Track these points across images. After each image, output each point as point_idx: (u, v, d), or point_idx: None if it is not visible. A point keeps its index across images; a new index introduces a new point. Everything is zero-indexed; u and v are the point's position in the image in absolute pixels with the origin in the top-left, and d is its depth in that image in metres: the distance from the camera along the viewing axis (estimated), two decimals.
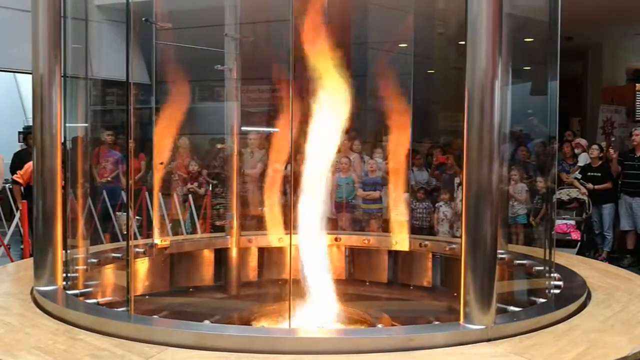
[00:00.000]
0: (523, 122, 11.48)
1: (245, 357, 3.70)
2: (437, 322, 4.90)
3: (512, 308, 4.70)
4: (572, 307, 4.68)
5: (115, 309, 4.67)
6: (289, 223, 5.71)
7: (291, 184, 5.68)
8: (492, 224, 4.11)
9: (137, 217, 11.94)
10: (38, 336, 4.01)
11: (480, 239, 4.10)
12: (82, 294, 5.02)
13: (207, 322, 4.72)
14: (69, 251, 5.33)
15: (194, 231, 12.50)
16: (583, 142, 14.70)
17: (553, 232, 6.04)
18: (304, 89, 6.00)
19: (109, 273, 6.08)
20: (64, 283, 5.03)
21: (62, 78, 5.11)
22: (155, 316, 4.86)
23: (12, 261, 9.41)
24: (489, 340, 4.00)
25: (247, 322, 5.86)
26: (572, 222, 12.86)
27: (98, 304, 4.85)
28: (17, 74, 20.58)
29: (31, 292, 4.93)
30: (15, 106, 22.57)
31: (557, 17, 5.54)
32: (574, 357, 3.74)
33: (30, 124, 17.87)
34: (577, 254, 10.39)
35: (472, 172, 4.11)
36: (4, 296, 4.92)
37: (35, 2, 4.97)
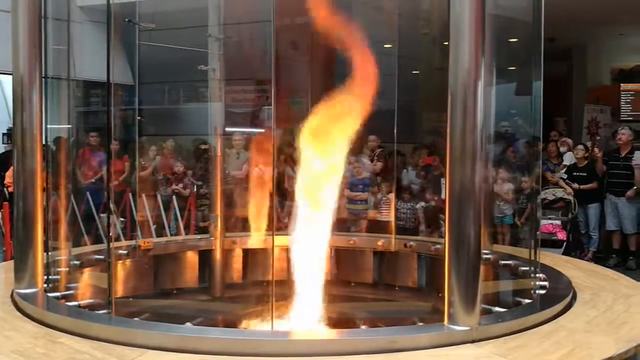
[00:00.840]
0: (508, 122, 11.51)
1: (224, 359, 3.68)
2: (421, 324, 4.90)
3: (497, 309, 4.69)
4: (558, 307, 4.68)
5: (96, 312, 4.63)
6: (271, 224, 5.70)
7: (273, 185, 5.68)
8: (475, 224, 4.09)
9: (121, 219, 11.90)
10: (17, 339, 3.97)
11: (464, 239, 4.08)
12: (63, 297, 4.99)
13: (188, 324, 4.69)
14: (50, 253, 5.29)
15: (178, 233, 12.45)
16: (569, 141, 14.73)
17: (538, 233, 6.04)
18: (286, 90, 5.99)
19: (91, 275, 6.04)
20: (45, 285, 4.98)
21: (43, 79, 5.07)
22: (136, 319, 4.83)
23: None
24: (473, 341, 3.99)
25: (230, 325, 5.85)
26: (558, 222, 12.88)
27: (79, 306, 4.81)
28: (1, 75, 20.53)
29: (11, 295, 4.88)
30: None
31: (541, 18, 5.55)
32: (559, 358, 3.74)
33: None
34: (563, 254, 10.40)
35: (455, 173, 4.10)
36: None
37: (15, 3, 4.93)
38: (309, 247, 6.08)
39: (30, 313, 4.44)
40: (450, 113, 4.11)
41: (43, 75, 5.05)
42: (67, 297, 5.02)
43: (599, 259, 12.65)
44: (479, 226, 4.15)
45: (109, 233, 5.52)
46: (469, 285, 4.06)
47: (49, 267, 5.15)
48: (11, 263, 5.99)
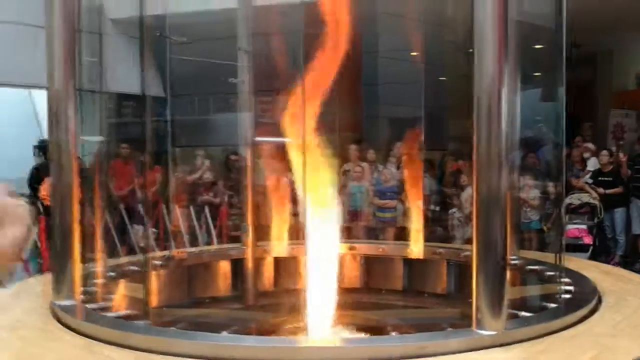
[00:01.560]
0: (534, 129, 11.57)
1: None
2: (449, 329, 4.98)
3: (523, 313, 4.76)
4: (583, 311, 4.71)
5: (135, 322, 4.75)
6: (301, 233, 5.79)
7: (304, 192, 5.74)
8: (502, 230, 4.17)
9: (153, 230, 12.04)
10: (59, 350, 4.09)
11: (491, 245, 4.16)
12: (100, 308, 5.09)
13: (224, 333, 4.81)
14: (86, 265, 5.41)
15: (210, 242, 12.59)
16: (591, 146, 14.79)
17: (562, 237, 6.11)
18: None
19: (127, 286, 6.14)
20: (82, 297, 5.10)
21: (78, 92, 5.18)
22: (173, 328, 4.95)
23: (31, 276, 9.53)
24: (500, 345, 4.06)
25: (263, 332, 5.94)
26: (584, 227, 12.96)
27: (117, 317, 4.93)
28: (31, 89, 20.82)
29: (50, 307, 4.99)
30: (29, 121, 22.78)
31: (562, 24, 5.62)
32: None
33: (45, 137, 18.05)
34: (590, 258, 10.51)
35: (482, 180, 4.17)
36: (25, 311, 5.00)
37: (51, 17, 5.05)
38: (335, 255, 6.18)
39: (69, 324, 4.54)
40: (476, 121, 4.19)
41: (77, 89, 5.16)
42: (104, 309, 5.12)
43: (627, 263, 12.70)
44: (505, 232, 4.23)
45: (146, 243, 5.64)
46: (495, 290, 4.14)
47: (85, 279, 5.27)
48: (47, 276, 6.14)
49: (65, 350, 4.10)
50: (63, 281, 5.00)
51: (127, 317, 4.88)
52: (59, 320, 4.69)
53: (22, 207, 2.59)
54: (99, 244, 5.95)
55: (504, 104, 4.17)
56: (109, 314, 4.93)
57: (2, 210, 2.54)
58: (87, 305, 4.99)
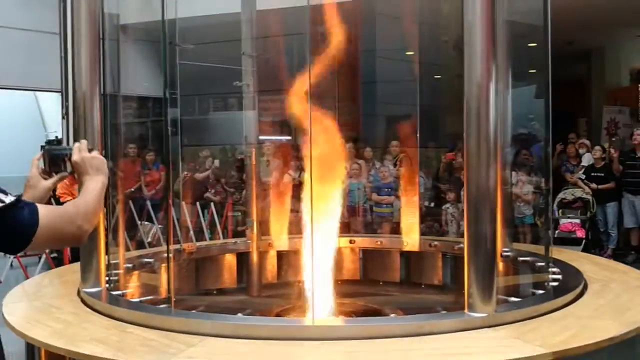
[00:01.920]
0: (528, 125, 11.78)
1: (274, 343, 4.14)
2: (443, 312, 5.35)
3: (512, 299, 5.09)
4: (569, 297, 5.02)
5: (158, 306, 5.14)
6: (305, 226, 6.03)
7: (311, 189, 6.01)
8: (491, 223, 4.51)
9: (159, 226, 12.35)
10: (92, 330, 4.47)
11: (481, 236, 4.49)
12: (123, 294, 5.47)
13: (240, 314, 5.20)
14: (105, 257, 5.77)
15: (214, 237, 12.87)
16: (587, 142, 15.01)
17: (550, 230, 6.44)
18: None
19: (142, 276, 6.50)
20: (107, 285, 5.48)
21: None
22: (194, 311, 5.34)
23: (53, 268, 9.90)
24: (490, 326, 4.39)
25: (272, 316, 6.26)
26: (577, 221, 13.22)
27: (140, 301, 5.30)
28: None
29: (78, 294, 5.38)
30: (35, 122, 23.13)
31: (548, 22, 5.89)
32: (566, 339, 4.12)
33: (51, 138, 18.38)
34: (583, 251, 10.77)
35: (472, 176, 4.51)
36: (56, 298, 5.39)
37: (78, 26, 5.36)
38: (333, 248, 6.51)
39: (99, 309, 4.93)
40: (466, 120, 4.50)
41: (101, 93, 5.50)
42: (125, 295, 5.50)
43: (618, 255, 12.90)
44: (494, 225, 4.58)
45: (168, 237, 5.98)
46: (485, 277, 4.48)
47: (109, 268, 5.65)
48: (68, 267, 6.56)
49: (97, 330, 4.48)
50: (90, 270, 5.40)
51: (147, 302, 5.26)
52: (87, 305, 5.09)
53: (98, 159, 3.06)
54: (120, 238, 6.31)
55: (492, 105, 4.48)
56: (133, 300, 5.32)
57: (87, 164, 3.02)
58: (111, 292, 5.39)
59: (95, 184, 2.96)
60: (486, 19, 4.48)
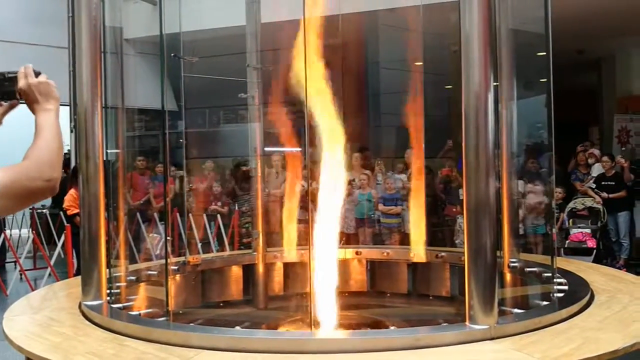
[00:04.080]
0: (538, 135, 11.69)
1: (271, 357, 4.11)
2: (444, 324, 5.30)
3: (515, 310, 5.06)
4: (574, 308, 4.96)
5: (156, 319, 5.13)
6: (309, 238, 6.01)
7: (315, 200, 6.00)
8: (491, 234, 4.48)
9: (168, 238, 12.33)
10: (89, 343, 4.46)
11: (481, 247, 4.46)
12: (124, 308, 5.45)
13: (237, 327, 5.17)
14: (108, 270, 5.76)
15: (221, 249, 12.88)
16: (596, 152, 14.93)
17: (555, 241, 6.38)
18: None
19: (146, 289, 6.47)
20: (108, 298, 5.46)
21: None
22: (191, 324, 5.31)
23: (58, 280, 9.89)
24: (492, 338, 4.34)
25: (274, 329, 6.23)
26: (588, 231, 13.11)
27: (140, 315, 5.28)
28: None
29: (79, 307, 5.37)
30: None
31: (548, 29, 5.87)
32: (568, 352, 4.06)
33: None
34: (594, 261, 10.65)
35: (471, 188, 4.47)
36: (56, 310, 5.39)
37: (79, 40, 5.40)
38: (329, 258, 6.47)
39: (97, 321, 4.92)
40: (465, 132, 4.46)
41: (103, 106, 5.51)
42: (127, 308, 5.48)
43: (631, 265, 12.82)
44: (494, 235, 4.53)
45: (166, 250, 5.98)
46: (486, 288, 4.45)
47: (110, 282, 5.63)
48: (73, 280, 6.55)
49: (94, 343, 4.47)
50: (91, 283, 5.39)
51: (147, 316, 5.25)
52: (87, 318, 5.08)
53: (44, 84, 2.93)
54: (122, 250, 6.31)
55: (490, 117, 4.45)
56: (133, 313, 5.30)
57: (34, 91, 2.90)
58: (112, 305, 5.37)
59: (47, 117, 2.83)
60: (483, 29, 4.45)
